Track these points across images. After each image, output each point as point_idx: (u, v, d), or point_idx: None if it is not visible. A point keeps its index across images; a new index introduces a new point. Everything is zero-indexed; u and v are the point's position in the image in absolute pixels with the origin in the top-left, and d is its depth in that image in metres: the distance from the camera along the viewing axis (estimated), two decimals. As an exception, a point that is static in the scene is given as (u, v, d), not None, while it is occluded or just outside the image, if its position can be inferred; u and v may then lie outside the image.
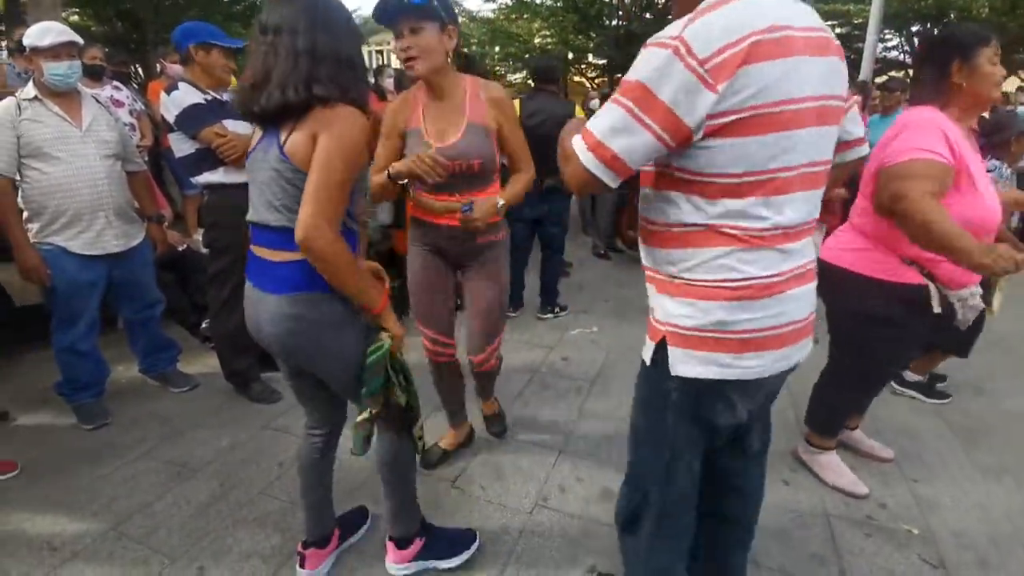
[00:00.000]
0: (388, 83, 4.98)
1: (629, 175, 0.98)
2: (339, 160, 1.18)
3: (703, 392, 1.08)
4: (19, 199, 2.19)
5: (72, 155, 2.19)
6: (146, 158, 3.68)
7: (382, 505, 1.64)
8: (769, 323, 1.02)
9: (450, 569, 1.67)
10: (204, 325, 3.16)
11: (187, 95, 2.28)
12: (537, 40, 14.24)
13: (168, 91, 2.30)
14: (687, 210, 1.01)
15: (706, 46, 0.87)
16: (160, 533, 1.81)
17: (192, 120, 2.27)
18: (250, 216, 1.33)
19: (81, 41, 2.27)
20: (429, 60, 1.62)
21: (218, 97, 2.38)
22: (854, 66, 10.86)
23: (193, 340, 3.19)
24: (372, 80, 5.32)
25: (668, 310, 1.07)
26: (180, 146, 2.36)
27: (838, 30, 12.74)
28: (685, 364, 1.05)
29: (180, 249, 3.26)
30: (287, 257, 1.27)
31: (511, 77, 15.00)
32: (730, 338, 1.02)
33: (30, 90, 2.17)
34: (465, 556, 1.68)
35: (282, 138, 1.22)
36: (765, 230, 0.98)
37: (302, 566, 1.60)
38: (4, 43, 3.75)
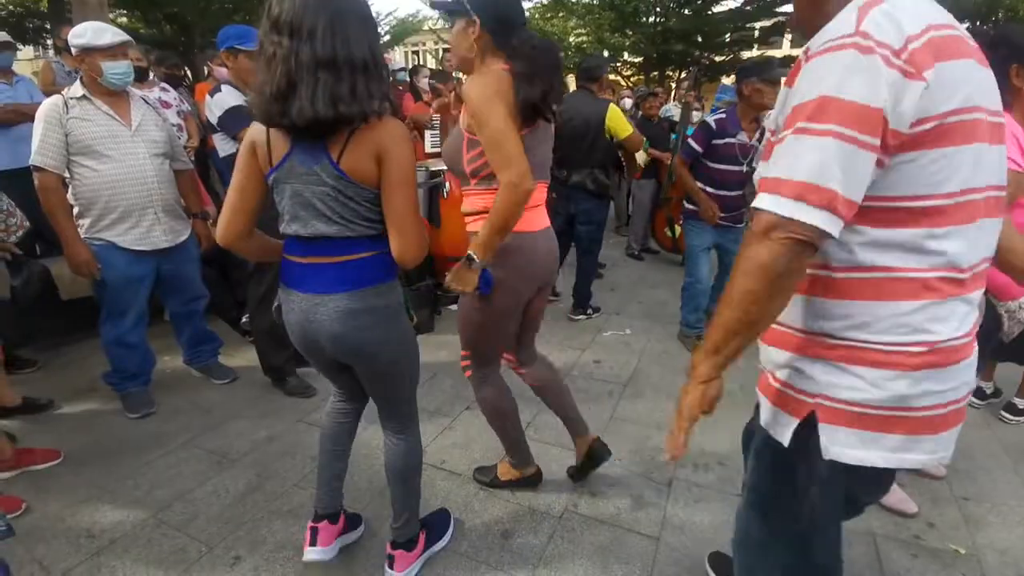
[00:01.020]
0: (423, 83, 5.02)
1: (850, 217, 0.77)
2: (410, 182, 1.26)
3: (864, 477, 0.89)
4: (69, 195, 2.27)
5: (123, 153, 2.27)
6: (193, 158, 3.81)
7: (384, 514, 1.65)
8: (951, 397, 0.84)
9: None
10: (244, 320, 3.25)
11: (229, 97, 2.35)
12: (572, 39, 14.17)
13: (212, 93, 2.38)
14: (861, 248, 0.81)
15: (897, 36, 0.72)
16: (199, 521, 1.87)
17: (233, 121, 2.33)
18: (293, 229, 1.30)
19: (133, 42, 2.37)
20: (455, 55, 1.60)
21: None
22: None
23: (234, 334, 3.29)
24: (408, 80, 5.38)
25: (819, 378, 0.87)
26: (223, 146, 2.43)
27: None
28: (846, 447, 0.86)
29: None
30: (350, 257, 1.30)
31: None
32: (910, 416, 0.83)
33: (78, 88, 2.23)
34: (451, 531, 1.78)
35: (334, 155, 1.21)
36: (959, 272, 0.79)
37: (313, 543, 1.63)
38: (50, 41, 3.92)
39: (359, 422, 1.69)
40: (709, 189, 3.08)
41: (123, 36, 2.25)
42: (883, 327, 0.81)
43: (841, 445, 0.86)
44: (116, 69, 2.22)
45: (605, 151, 3.47)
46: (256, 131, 1.28)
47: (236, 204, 1.35)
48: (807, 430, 0.89)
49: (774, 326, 0.95)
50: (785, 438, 0.92)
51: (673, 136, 4.83)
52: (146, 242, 2.38)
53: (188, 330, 2.77)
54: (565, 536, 1.81)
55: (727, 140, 2.96)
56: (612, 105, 3.42)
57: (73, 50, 2.22)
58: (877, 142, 0.73)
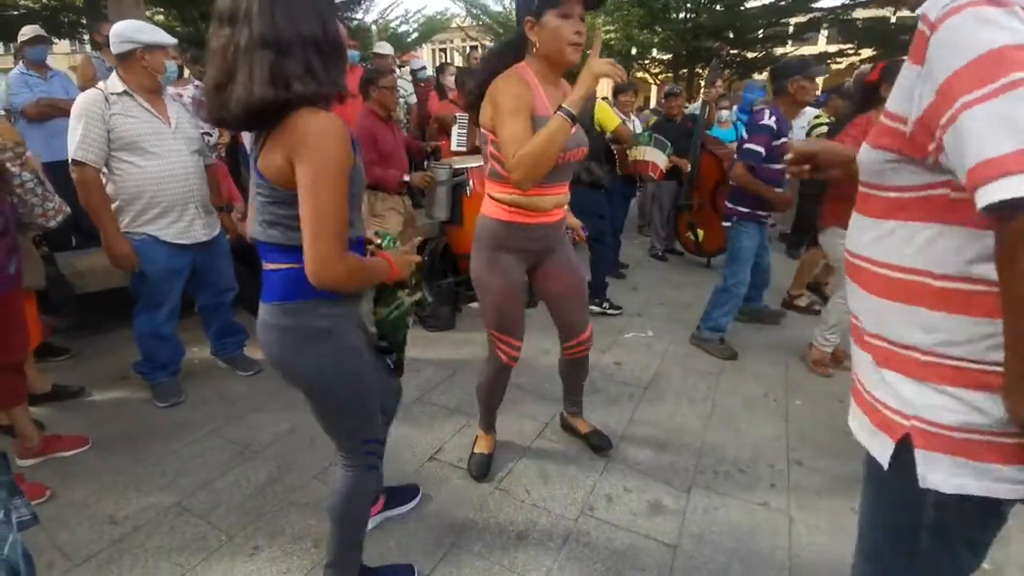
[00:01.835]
0: (449, 80, 5.03)
1: None
2: (327, 186, 1.05)
3: (974, 509, 0.77)
4: (109, 190, 2.32)
5: (166, 150, 2.33)
6: (223, 154, 3.88)
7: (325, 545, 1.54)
8: None
9: None
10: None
11: None
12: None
13: None
14: (970, 255, 0.71)
15: None
16: (220, 510, 1.90)
17: None
18: (246, 228, 1.28)
19: (177, 42, 2.45)
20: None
21: None
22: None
23: (258, 326, 3.35)
24: (434, 78, 5.39)
25: (909, 398, 0.78)
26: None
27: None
28: (944, 475, 0.75)
29: (251, 241, 3.42)
30: (273, 266, 1.20)
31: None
32: (1016, 443, 0.72)
33: (118, 84, 2.26)
34: (414, 503, 1.74)
35: (257, 150, 1.12)
36: None
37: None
38: (87, 36, 4.00)
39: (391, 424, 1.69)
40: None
41: (170, 38, 2.35)
42: (987, 346, 0.72)
43: (938, 471, 0.76)
44: (171, 67, 2.33)
45: (596, 143, 3.48)
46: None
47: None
48: (904, 457, 0.79)
49: (869, 331, 0.86)
50: (883, 458, 0.82)
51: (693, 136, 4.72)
52: (187, 236, 2.44)
53: (216, 322, 2.83)
54: (580, 540, 1.79)
55: (783, 140, 2.95)
56: (599, 101, 3.54)
57: (128, 46, 2.23)
58: None
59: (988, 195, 0.61)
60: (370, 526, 1.72)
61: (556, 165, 1.62)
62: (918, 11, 0.72)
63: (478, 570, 1.67)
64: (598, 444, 2.23)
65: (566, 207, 1.89)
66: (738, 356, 3.13)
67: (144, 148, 2.27)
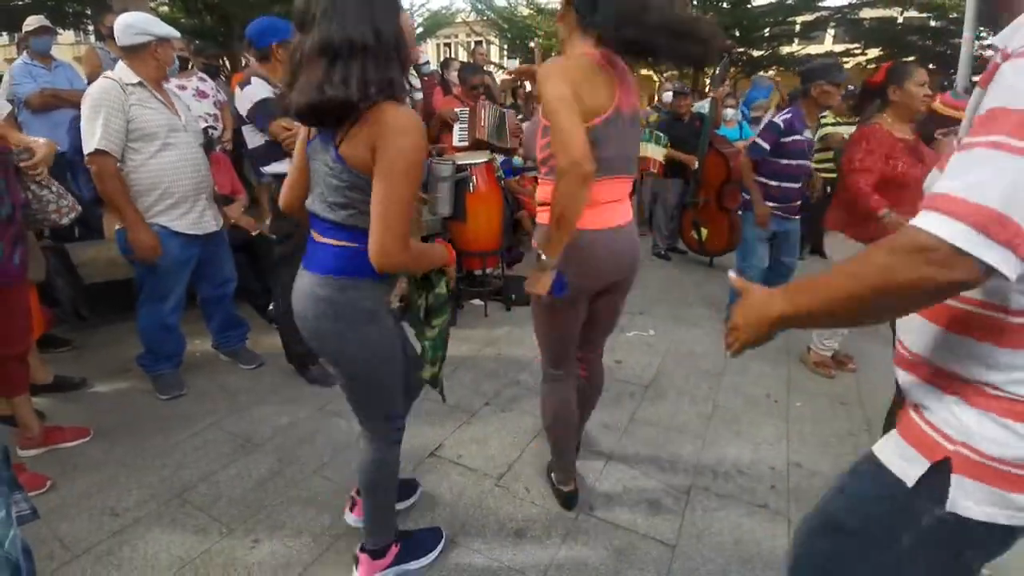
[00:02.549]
0: (453, 76, 5.01)
1: None
2: (405, 175, 1.14)
3: (982, 536, 0.80)
4: None
5: (181, 141, 2.35)
6: (230, 147, 3.88)
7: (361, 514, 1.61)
8: None
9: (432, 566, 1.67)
10: (271, 307, 3.31)
11: (258, 90, 2.39)
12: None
13: (241, 85, 2.42)
14: None
15: None
16: (221, 503, 1.91)
17: (262, 114, 2.38)
18: (307, 203, 1.34)
19: (180, 36, 2.45)
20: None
21: None
22: (950, 63, 9.99)
23: (262, 320, 3.35)
24: (439, 73, 5.37)
25: (966, 426, 0.78)
26: (252, 138, 2.48)
27: (932, 23, 11.78)
28: (977, 503, 0.77)
29: (253, 234, 3.42)
30: (331, 242, 1.28)
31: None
32: None
33: (131, 75, 2.25)
34: (435, 554, 1.68)
35: (337, 138, 1.19)
36: None
37: (351, 510, 1.76)
38: (96, 27, 3.99)
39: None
40: (773, 183, 3.17)
41: (175, 32, 2.35)
42: None
43: (973, 500, 0.77)
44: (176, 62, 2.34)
45: None
46: None
47: (291, 176, 1.42)
48: (936, 480, 0.80)
49: (907, 354, 0.88)
50: (910, 478, 0.82)
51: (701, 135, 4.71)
52: (198, 227, 2.46)
53: (218, 315, 2.84)
54: (579, 538, 1.79)
55: (795, 137, 3.08)
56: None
57: (143, 38, 2.23)
58: None
59: (932, 223, 0.64)
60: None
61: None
62: (994, 40, 0.72)
63: (477, 567, 1.67)
64: (564, 499, 1.93)
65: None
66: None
67: (162, 139, 2.28)
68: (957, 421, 0.79)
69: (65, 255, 2.83)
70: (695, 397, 2.69)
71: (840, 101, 3.15)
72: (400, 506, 1.86)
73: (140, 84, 2.26)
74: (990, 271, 0.62)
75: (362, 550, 1.58)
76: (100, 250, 2.83)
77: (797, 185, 3.17)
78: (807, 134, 3.11)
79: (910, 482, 0.82)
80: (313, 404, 2.55)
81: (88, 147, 2.16)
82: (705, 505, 1.96)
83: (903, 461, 0.84)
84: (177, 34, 2.31)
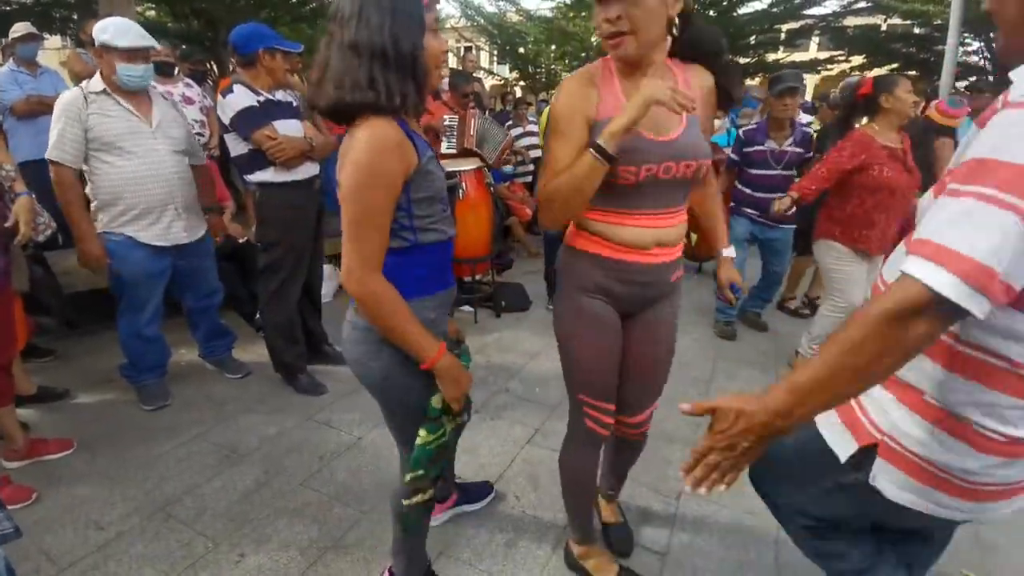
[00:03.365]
0: (443, 82, 5.01)
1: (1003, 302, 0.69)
2: (367, 191, 1.06)
3: (890, 506, 0.94)
4: (88, 190, 2.29)
5: (145, 150, 2.29)
6: (216, 153, 3.86)
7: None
8: (1017, 478, 0.86)
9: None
10: (258, 316, 3.28)
11: (240, 98, 2.36)
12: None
13: (224, 93, 2.39)
14: (990, 332, 0.78)
15: None
16: (206, 517, 1.88)
17: (245, 122, 2.35)
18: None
19: (158, 46, 2.39)
20: (648, 33, 1.18)
21: (271, 97, 2.46)
22: (933, 70, 10.16)
23: (248, 328, 3.32)
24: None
25: (897, 423, 0.89)
26: (235, 146, 2.46)
27: (916, 30, 11.98)
28: (895, 487, 0.91)
29: (240, 241, 3.40)
30: None
31: (567, 76, 14.95)
32: (966, 486, 0.86)
33: (98, 83, 2.23)
34: (487, 500, 1.76)
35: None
36: None
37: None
38: (77, 33, 3.95)
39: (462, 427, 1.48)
40: (747, 190, 3.42)
41: (145, 41, 2.23)
42: (998, 416, 0.82)
43: (892, 483, 0.91)
44: (131, 72, 2.21)
45: None
46: None
47: None
48: (862, 458, 0.94)
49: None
50: (841, 454, 0.97)
51: None
52: (166, 238, 2.40)
53: (204, 325, 2.80)
54: (570, 547, 1.79)
55: (756, 147, 3.32)
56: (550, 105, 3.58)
57: (96, 43, 2.22)
58: None
59: (919, 270, 0.68)
60: (443, 520, 1.85)
61: (626, 183, 1.24)
62: (1012, 74, 0.74)
63: (466, 578, 1.66)
64: (617, 542, 1.78)
65: (679, 246, 1.39)
66: (734, 337, 3.48)
67: (121, 148, 2.24)
68: (887, 415, 0.91)
69: (46, 264, 2.79)
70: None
71: (794, 109, 3.24)
72: (475, 507, 1.93)
73: (104, 92, 2.23)
74: (968, 317, 0.67)
75: (390, 570, 1.55)
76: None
77: (770, 195, 3.22)
78: (770, 144, 3.28)
79: (843, 458, 0.97)
80: (301, 414, 2.53)
81: (47, 156, 2.17)
82: (695, 512, 1.96)
83: (835, 436, 0.99)
84: (115, 43, 2.16)
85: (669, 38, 1.26)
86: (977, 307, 0.65)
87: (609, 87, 1.27)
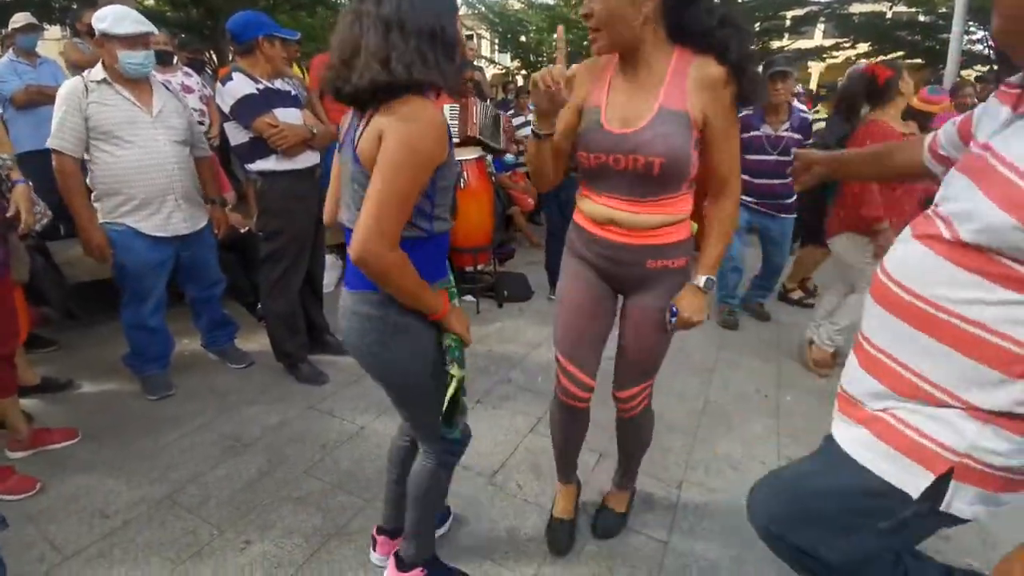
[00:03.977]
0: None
1: None
2: (405, 169, 1.05)
3: (947, 522, 0.89)
4: (88, 179, 2.29)
5: (144, 140, 2.28)
6: (216, 142, 3.84)
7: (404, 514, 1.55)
8: None
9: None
10: (260, 305, 3.29)
11: (240, 86, 2.34)
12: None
13: (223, 81, 2.38)
14: None
15: None
16: (210, 504, 1.90)
17: (245, 110, 2.34)
18: (339, 216, 1.29)
19: (156, 31, 2.36)
20: (614, 30, 1.22)
21: (270, 86, 2.45)
22: (939, 58, 10.05)
23: (250, 318, 3.33)
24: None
25: (970, 438, 0.82)
26: (235, 134, 2.44)
27: (921, 18, 11.84)
28: (967, 504, 0.85)
29: (242, 231, 3.39)
30: None
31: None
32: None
33: (99, 72, 2.23)
34: None
35: (357, 133, 1.13)
36: None
37: (373, 549, 1.67)
38: (73, 23, 3.92)
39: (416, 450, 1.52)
40: (745, 177, 3.31)
41: (144, 26, 2.22)
42: None
43: (966, 501, 0.84)
44: (132, 59, 2.21)
45: None
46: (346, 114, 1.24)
47: (331, 185, 1.36)
48: (937, 488, 0.85)
49: (895, 366, 0.90)
50: (915, 490, 0.86)
51: None
52: (166, 228, 2.40)
53: (206, 315, 2.81)
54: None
55: (752, 133, 3.26)
56: None
57: (95, 33, 2.21)
58: None
59: None
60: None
61: (586, 166, 1.37)
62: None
63: (469, 566, 1.67)
64: (599, 523, 1.81)
65: (646, 233, 1.39)
66: (736, 327, 3.49)
67: (120, 137, 2.23)
68: (959, 434, 0.82)
69: (48, 254, 2.80)
70: (686, 394, 2.70)
71: (786, 94, 3.21)
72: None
73: (104, 81, 2.22)
74: None
75: (396, 558, 1.56)
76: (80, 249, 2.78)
77: (767, 181, 3.27)
78: (766, 129, 3.24)
79: (915, 493, 0.86)
80: (303, 403, 2.54)
81: (48, 144, 2.17)
82: (696, 501, 1.97)
83: (901, 473, 0.87)
84: (114, 31, 2.16)
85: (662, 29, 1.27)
86: None
87: (602, 78, 1.36)
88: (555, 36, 1.27)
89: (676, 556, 1.73)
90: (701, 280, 1.40)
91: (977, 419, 0.81)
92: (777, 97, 3.15)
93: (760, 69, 3.37)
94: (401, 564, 1.54)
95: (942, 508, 0.84)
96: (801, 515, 1.02)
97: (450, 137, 1.14)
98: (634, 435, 1.73)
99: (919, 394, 0.87)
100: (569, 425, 1.67)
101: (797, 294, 4.03)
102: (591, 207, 1.42)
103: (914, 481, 0.86)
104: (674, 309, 1.40)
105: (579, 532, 1.81)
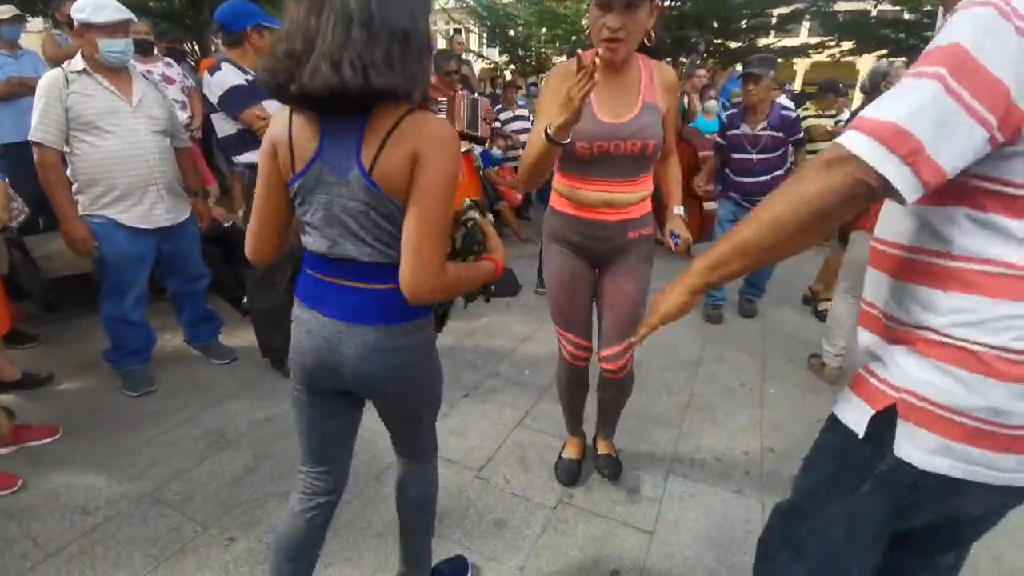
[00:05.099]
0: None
1: (935, 186, 0.69)
2: (444, 197, 0.97)
3: (929, 486, 0.81)
4: (69, 171, 2.25)
5: (124, 130, 2.24)
6: (199, 135, 3.77)
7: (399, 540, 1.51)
8: None
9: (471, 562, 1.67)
10: (245, 300, 3.25)
11: (229, 76, 2.31)
12: (585, 21, 13.92)
13: (211, 72, 2.34)
14: (981, 238, 0.74)
15: None
16: (195, 501, 1.88)
17: (234, 101, 2.30)
18: (317, 247, 1.07)
19: (135, 19, 2.32)
20: (635, 42, 1.48)
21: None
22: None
23: (235, 313, 3.29)
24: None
25: (909, 372, 0.80)
26: (222, 126, 2.40)
27: (906, 16, 11.98)
28: (919, 449, 0.79)
29: (226, 225, 3.35)
30: (384, 287, 1.06)
31: (557, 60, 14.77)
32: (998, 432, 0.74)
33: (78, 63, 2.19)
34: None
35: (366, 162, 0.96)
36: None
37: None
38: (52, 13, 3.85)
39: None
40: (731, 175, 3.47)
41: (124, 14, 2.19)
42: (992, 329, 0.73)
43: (915, 445, 0.79)
44: (113, 47, 2.17)
45: None
46: (277, 129, 1.05)
47: (261, 218, 1.12)
48: (881, 423, 0.82)
49: (867, 308, 0.92)
50: (860, 427, 0.85)
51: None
52: (148, 220, 2.36)
53: (189, 309, 2.77)
54: (559, 527, 1.81)
55: (734, 131, 3.39)
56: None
57: (75, 23, 2.18)
58: (992, 119, 0.65)
59: (844, 138, 0.71)
60: None
61: (583, 156, 1.54)
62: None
63: (457, 558, 1.67)
64: (604, 468, 2.04)
65: (630, 209, 1.65)
66: (721, 321, 3.54)
67: (101, 128, 2.19)
68: (900, 369, 0.81)
69: (24, 248, 2.73)
70: (672, 388, 2.72)
71: (757, 95, 3.24)
72: None
73: (84, 72, 2.18)
74: (888, 187, 0.68)
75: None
76: (62, 243, 2.72)
77: (749, 179, 3.36)
78: (744, 128, 3.33)
79: (860, 432, 0.85)
80: (289, 398, 2.51)
81: (29, 137, 2.13)
82: (682, 492, 1.99)
83: (852, 413, 0.87)
84: (94, 20, 2.12)
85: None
86: (893, 172, 0.67)
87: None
88: (589, 61, 1.30)
89: (662, 546, 1.75)
90: (680, 209, 1.71)
91: (920, 352, 0.80)
92: (750, 98, 3.27)
93: (739, 68, 3.48)
94: None
95: (894, 452, 0.80)
96: (813, 480, 1.00)
97: None
98: (617, 395, 1.96)
99: (882, 330, 0.88)
100: (573, 382, 1.95)
101: (824, 305, 3.63)
102: (583, 194, 1.63)
103: (859, 420, 0.85)
104: (674, 235, 1.64)
105: (568, 524, 1.82)
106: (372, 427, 1.63)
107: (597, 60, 1.32)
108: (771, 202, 0.77)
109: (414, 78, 0.97)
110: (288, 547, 1.26)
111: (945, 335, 0.77)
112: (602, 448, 2.10)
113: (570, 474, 2.01)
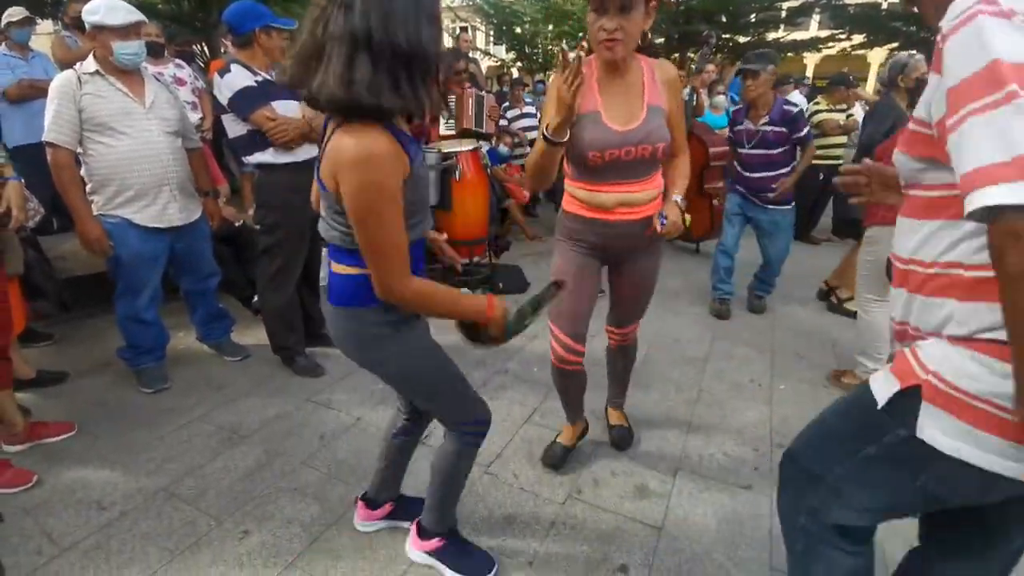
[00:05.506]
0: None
1: None
2: (380, 209, 1.03)
3: (951, 471, 0.82)
4: (83, 172, 2.28)
5: (137, 131, 2.27)
6: (210, 136, 3.82)
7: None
8: None
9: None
10: (255, 299, 3.28)
11: (238, 78, 2.33)
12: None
13: (221, 73, 2.36)
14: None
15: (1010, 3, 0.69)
16: (208, 495, 1.90)
17: (244, 103, 2.32)
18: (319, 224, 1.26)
19: (147, 20, 2.35)
20: (633, 42, 1.51)
21: (269, 78, 2.43)
22: (932, 49, 10.02)
23: (246, 312, 3.33)
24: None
25: (940, 355, 0.82)
26: (233, 127, 2.43)
27: (915, 9, 11.85)
28: (946, 435, 0.80)
29: (236, 224, 3.38)
30: (338, 269, 1.23)
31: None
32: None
33: (91, 64, 2.22)
34: None
35: (324, 144, 1.11)
36: None
37: (358, 515, 1.75)
38: (61, 16, 3.91)
39: (419, 438, 1.69)
40: (737, 168, 3.49)
41: (136, 16, 2.22)
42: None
43: (938, 429, 0.81)
44: (127, 49, 2.21)
45: None
46: None
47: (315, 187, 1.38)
48: (905, 405, 0.85)
49: (897, 327, 0.97)
50: (881, 397, 0.89)
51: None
52: (161, 220, 2.39)
53: (201, 308, 2.81)
54: (567, 522, 1.82)
55: (738, 127, 3.46)
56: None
57: (86, 26, 2.21)
58: None
59: (974, 201, 0.68)
60: (372, 529, 1.75)
61: (595, 164, 1.59)
62: (941, 23, 0.77)
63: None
64: (615, 439, 2.20)
65: (645, 207, 1.70)
66: (728, 316, 3.50)
67: (114, 128, 2.22)
68: (933, 352, 0.84)
69: (39, 248, 2.79)
70: (681, 384, 2.72)
71: (755, 91, 3.24)
72: (406, 524, 1.74)
73: (97, 73, 2.21)
74: None
75: (417, 521, 1.64)
76: (76, 243, 2.77)
77: (756, 174, 3.37)
78: (747, 124, 3.38)
79: (881, 402, 0.89)
80: (300, 395, 2.55)
81: (43, 138, 2.16)
82: (690, 488, 1.99)
83: (881, 384, 0.91)
84: (108, 22, 2.15)
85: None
86: None
87: (588, 84, 1.56)
88: (571, 56, 1.39)
89: (670, 541, 1.75)
90: (679, 197, 1.69)
91: (952, 344, 0.82)
92: (749, 93, 3.29)
93: (737, 65, 3.50)
94: (423, 532, 1.61)
95: (916, 433, 0.82)
96: (820, 432, 1.07)
97: (407, 145, 1.08)
98: (624, 357, 2.14)
99: (909, 338, 0.93)
100: (567, 383, 1.97)
101: (847, 293, 3.58)
102: (600, 198, 1.67)
103: (885, 390, 0.89)
104: (663, 217, 1.63)
105: (577, 520, 1.83)
106: (380, 423, 1.66)
107: (582, 55, 1.39)
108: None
109: (419, 99, 1.03)
110: (385, 433, 1.65)
111: (974, 339, 0.79)
112: (614, 419, 2.23)
113: (554, 458, 2.07)
